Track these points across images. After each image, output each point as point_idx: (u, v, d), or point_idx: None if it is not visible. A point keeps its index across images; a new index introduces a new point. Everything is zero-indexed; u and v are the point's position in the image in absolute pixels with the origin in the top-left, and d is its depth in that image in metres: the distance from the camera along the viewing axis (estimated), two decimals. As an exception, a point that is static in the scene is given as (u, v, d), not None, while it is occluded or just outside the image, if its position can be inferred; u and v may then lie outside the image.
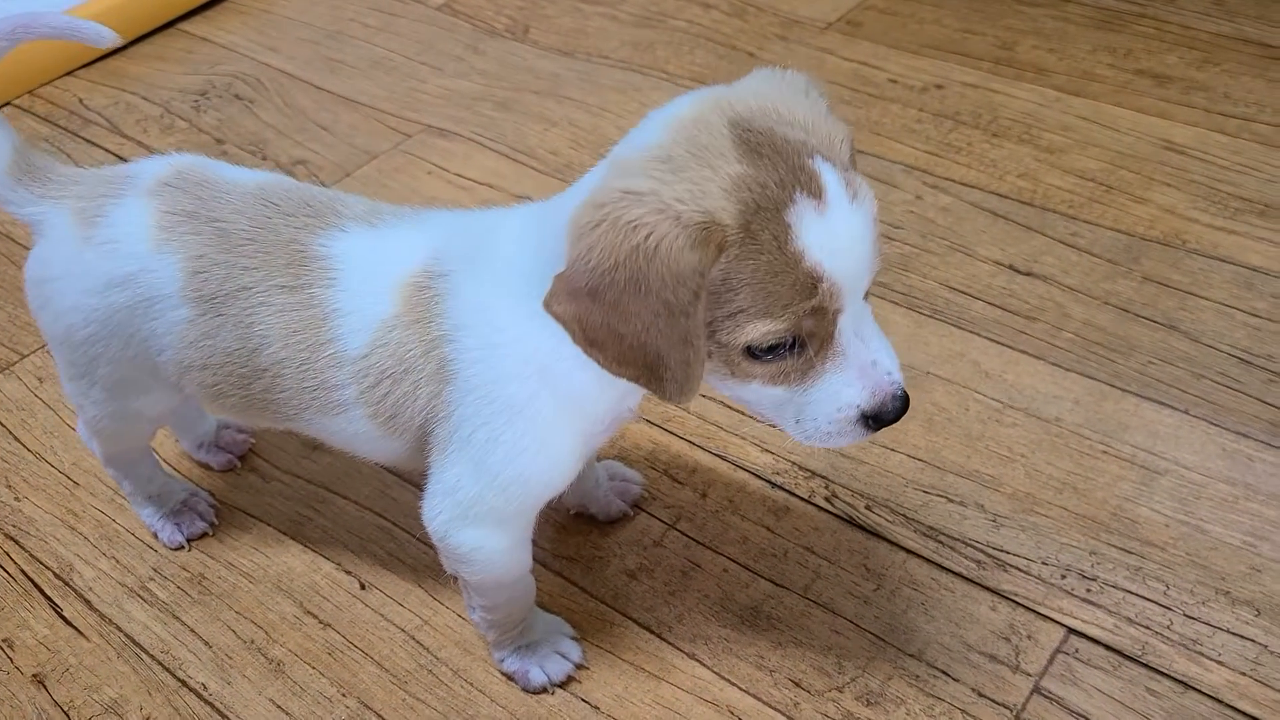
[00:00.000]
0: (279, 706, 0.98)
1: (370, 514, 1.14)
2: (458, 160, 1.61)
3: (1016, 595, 1.02)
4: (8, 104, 1.80)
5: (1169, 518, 1.07)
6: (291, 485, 1.17)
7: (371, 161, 1.63)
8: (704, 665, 0.99)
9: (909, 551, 1.06)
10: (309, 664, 1.01)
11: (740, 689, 0.97)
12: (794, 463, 1.15)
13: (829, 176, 0.70)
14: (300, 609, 1.06)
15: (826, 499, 1.12)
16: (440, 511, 0.87)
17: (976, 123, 1.61)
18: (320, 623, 1.04)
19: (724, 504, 1.12)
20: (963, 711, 0.94)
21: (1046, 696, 0.94)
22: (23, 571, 1.11)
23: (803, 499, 1.12)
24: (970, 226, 1.43)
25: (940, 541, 1.07)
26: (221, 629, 1.04)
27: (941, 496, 1.11)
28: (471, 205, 1.50)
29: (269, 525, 1.13)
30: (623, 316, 0.70)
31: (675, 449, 1.18)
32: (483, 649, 1.01)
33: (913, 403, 1.19)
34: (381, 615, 1.05)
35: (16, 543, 1.13)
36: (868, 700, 0.95)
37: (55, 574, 1.10)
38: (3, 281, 1.46)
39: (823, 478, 1.14)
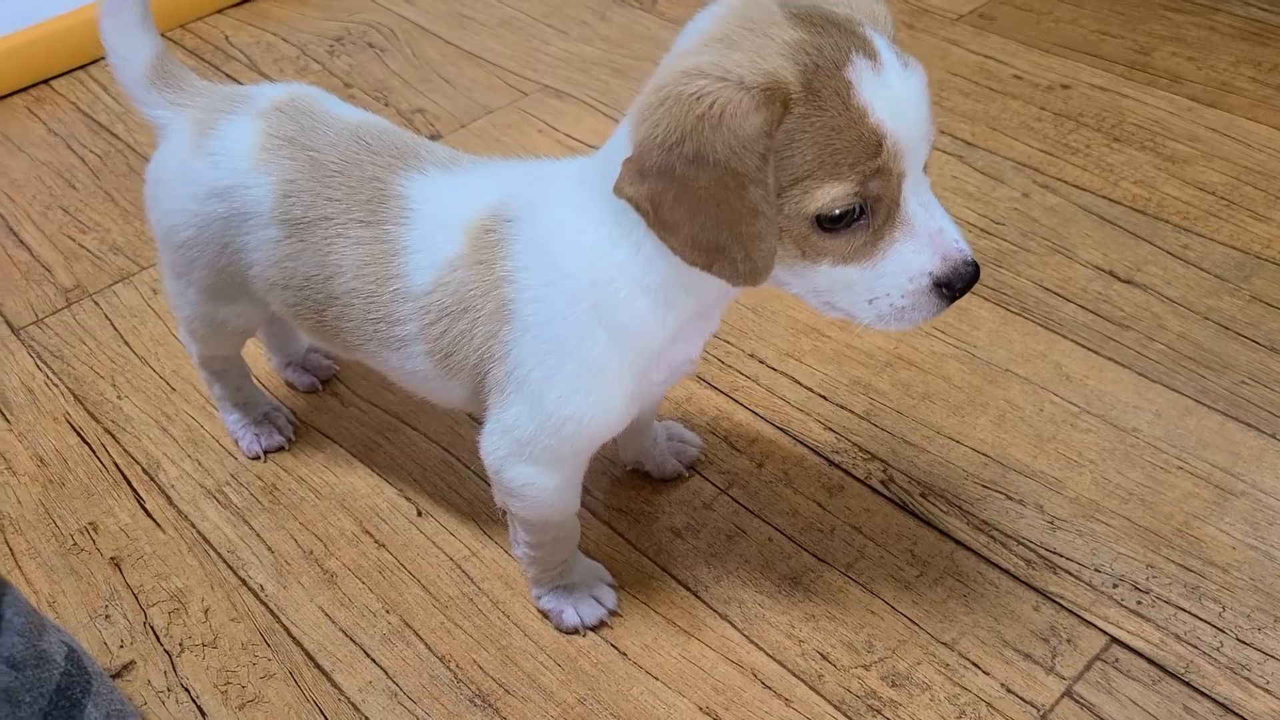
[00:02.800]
0: (326, 614, 1.03)
1: (437, 447, 1.18)
2: (568, 121, 1.64)
3: (1062, 598, 1.00)
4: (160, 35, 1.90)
5: (1238, 540, 1.03)
6: (368, 413, 1.22)
7: (487, 115, 1.67)
8: (734, 627, 1.00)
9: (958, 543, 1.05)
10: (360, 579, 1.06)
11: (767, 654, 0.98)
12: (855, 443, 1.15)
13: (880, 42, 0.72)
14: (359, 527, 1.10)
15: (883, 482, 1.11)
16: (497, 447, 0.90)
17: (1099, 126, 1.56)
18: (376, 542, 1.09)
19: (779, 476, 1.12)
20: (988, 704, 0.92)
21: (1077, 701, 0.92)
22: (115, 463, 1.18)
23: (858, 479, 1.11)
24: (1075, 229, 1.39)
25: (992, 536, 1.05)
26: (285, 537, 1.10)
27: (1001, 493, 1.09)
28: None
29: (341, 447, 1.19)
30: (692, 193, 0.71)
31: (739, 418, 1.19)
32: (523, 586, 1.04)
33: (986, 398, 1.18)
34: (433, 542, 1.09)
35: (113, 436, 1.21)
36: (893, 681, 0.95)
37: (143, 469, 1.18)
38: (134, 198, 1.56)
39: (882, 461, 1.13)
